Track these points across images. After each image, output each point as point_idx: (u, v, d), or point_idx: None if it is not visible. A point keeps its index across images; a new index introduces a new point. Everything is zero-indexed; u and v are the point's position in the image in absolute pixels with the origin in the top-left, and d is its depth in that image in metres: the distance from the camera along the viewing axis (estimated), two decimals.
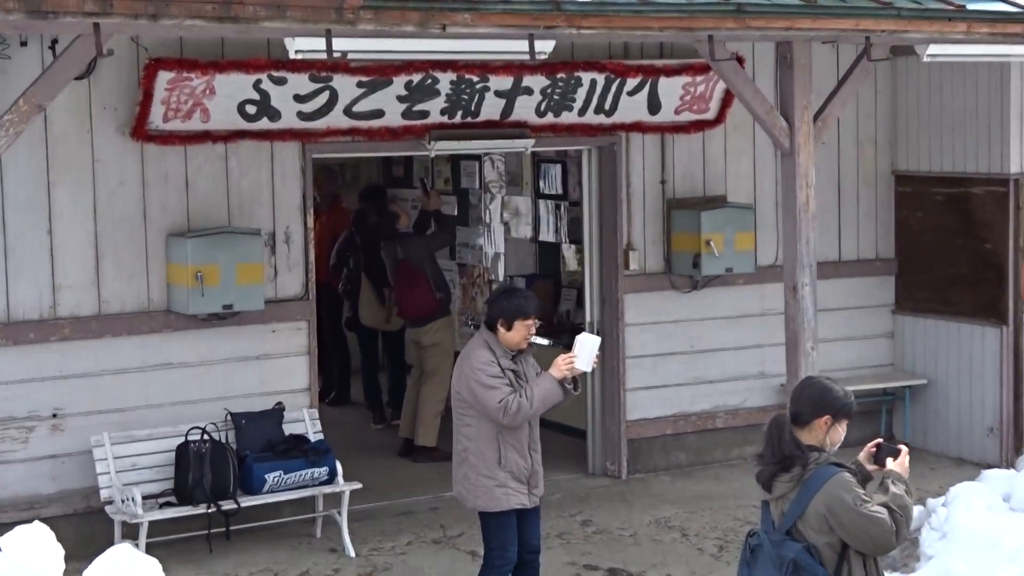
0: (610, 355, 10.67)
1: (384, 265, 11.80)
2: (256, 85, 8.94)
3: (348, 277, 12.59)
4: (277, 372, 9.52)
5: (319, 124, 9.34)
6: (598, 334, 10.70)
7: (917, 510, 8.34)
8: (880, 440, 5.77)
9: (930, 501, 8.57)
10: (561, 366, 7.27)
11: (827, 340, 10.80)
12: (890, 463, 5.62)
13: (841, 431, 5.59)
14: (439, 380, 11.39)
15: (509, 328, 7.34)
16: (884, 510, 5.42)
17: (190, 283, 8.89)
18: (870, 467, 5.68)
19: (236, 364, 9.39)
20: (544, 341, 7.26)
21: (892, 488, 5.51)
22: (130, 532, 8.67)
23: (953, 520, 8.15)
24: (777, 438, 5.51)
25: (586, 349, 7.27)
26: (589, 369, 7.33)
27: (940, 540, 8.11)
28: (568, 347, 7.38)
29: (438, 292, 11.43)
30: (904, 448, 5.68)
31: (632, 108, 10.26)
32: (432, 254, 11.58)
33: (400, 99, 9.43)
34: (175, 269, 9.06)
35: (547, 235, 12.58)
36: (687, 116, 10.54)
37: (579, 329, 11.37)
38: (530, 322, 7.36)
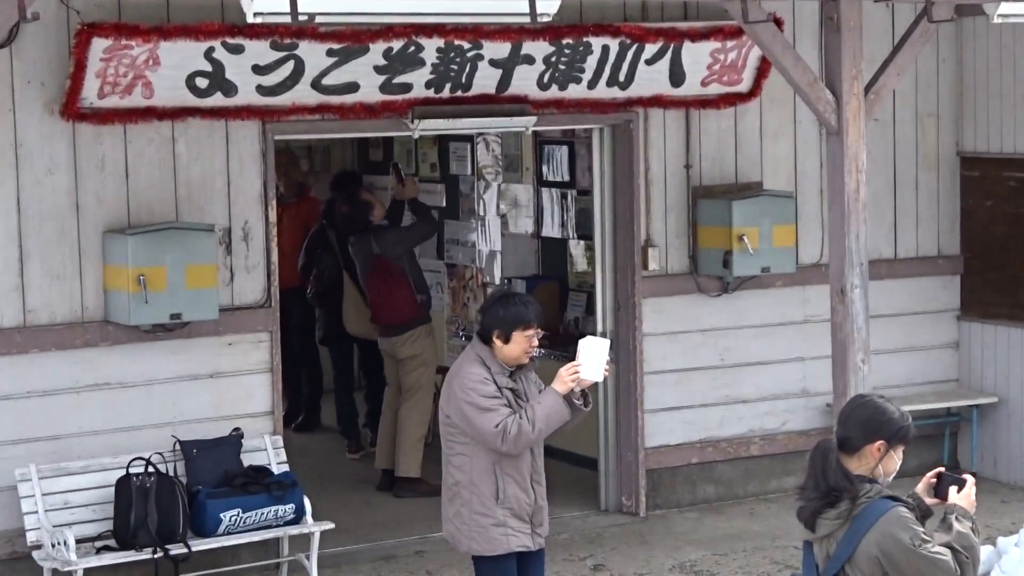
0: (626, 370, 10.67)
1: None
2: (208, 54, 8.94)
3: (319, 279, 12.58)
4: (234, 393, 9.51)
5: (282, 100, 9.34)
6: (612, 345, 10.68)
7: (986, 550, 8.34)
8: (942, 469, 5.76)
9: (1001, 540, 8.57)
10: (565, 378, 7.25)
11: (881, 352, 10.80)
12: (953, 495, 5.61)
13: (897, 459, 5.57)
14: (420, 399, 11.38)
15: (507, 340, 7.32)
16: (947, 551, 5.41)
17: (131, 288, 8.89)
18: (930, 501, 5.67)
19: (186, 383, 9.39)
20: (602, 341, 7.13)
21: (956, 525, 5.50)
22: None
23: None
24: (822, 467, 5.49)
25: (593, 355, 7.22)
26: (600, 379, 7.31)
27: None
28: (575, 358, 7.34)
29: (419, 294, 11.42)
30: (970, 478, 5.67)
31: (651, 79, 10.27)
32: (411, 250, 11.57)
33: (378, 70, 9.43)
34: (113, 272, 9.05)
35: (551, 230, 12.58)
36: (716, 89, 10.54)
37: None
38: (531, 332, 7.33)
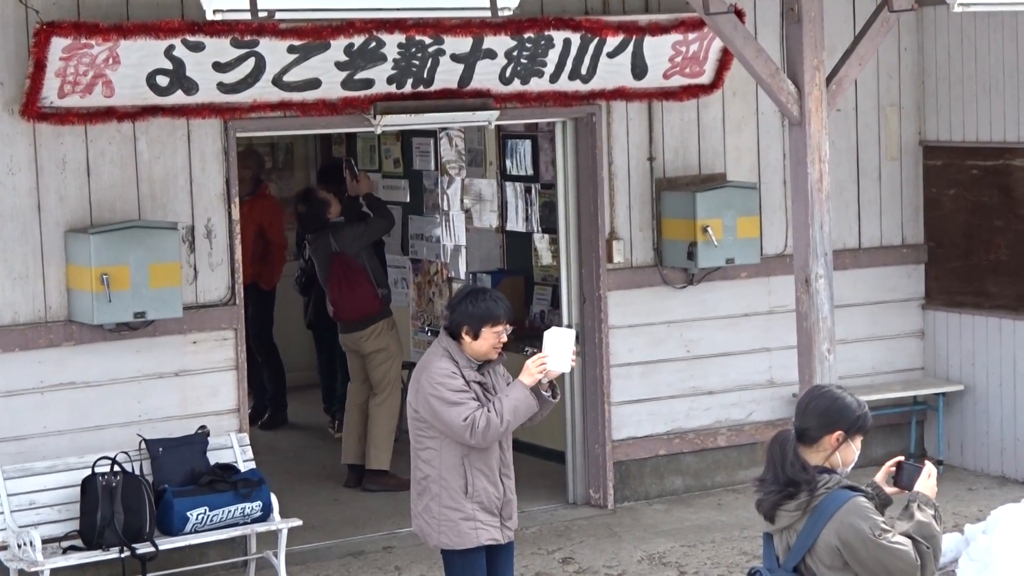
0: (592, 363, 10.70)
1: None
2: (168, 52, 8.94)
3: (304, 267, 12.72)
4: (199, 391, 9.52)
5: (244, 97, 9.34)
6: (577, 338, 10.69)
7: (954, 538, 8.38)
8: (900, 458, 5.79)
9: (968, 528, 8.60)
10: (532, 370, 7.29)
11: (846, 341, 10.86)
12: (919, 484, 5.63)
13: (855, 449, 5.60)
14: (390, 392, 11.43)
15: (476, 336, 7.36)
16: (908, 541, 5.43)
17: (94, 287, 8.88)
18: (889, 490, 5.69)
19: (151, 382, 9.38)
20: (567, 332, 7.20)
21: (918, 515, 5.52)
22: None
23: (996, 549, 8.19)
24: (780, 459, 5.51)
25: (559, 346, 7.27)
26: (567, 369, 7.35)
27: (981, 573, 8.16)
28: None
29: (380, 288, 11.45)
30: (930, 466, 5.70)
31: (613, 72, 10.29)
32: (369, 245, 11.60)
33: (339, 66, 9.44)
34: (76, 271, 9.04)
35: (516, 224, 12.59)
36: (678, 81, 10.58)
37: None
38: (500, 328, 7.37)
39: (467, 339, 7.35)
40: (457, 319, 7.35)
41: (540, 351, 7.35)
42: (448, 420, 7.23)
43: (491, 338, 7.36)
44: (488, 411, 7.23)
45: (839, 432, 5.56)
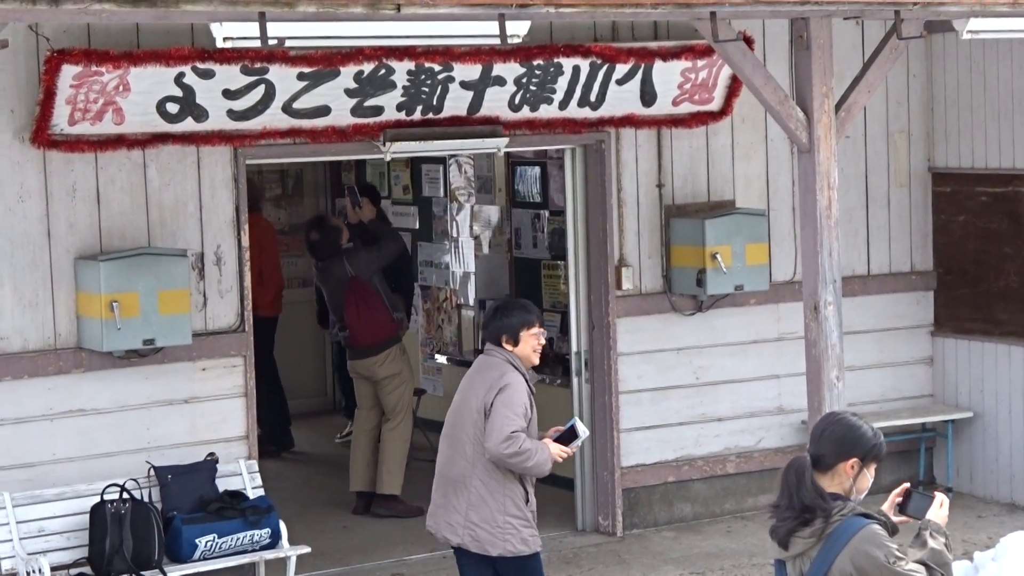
0: (601, 390, 10.68)
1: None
2: (178, 79, 8.94)
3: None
4: (208, 418, 9.50)
5: (253, 124, 9.34)
6: (586, 364, 10.73)
7: (964, 566, 8.35)
8: (907, 485, 5.76)
9: (978, 555, 8.58)
10: (555, 452, 7.74)
11: (855, 368, 10.83)
12: (931, 512, 5.61)
13: (869, 476, 5.58)
14: (403, 417, 11.42)
15: (516, 343, 7.73)
16: (922, 568, 5.41)
17: (104, 315, 8.87)
18: (896, 519, 5.67)
19: (160, 409, 9.37)
20: (584, 432, 7.81)
21: (931, 542, 5.50)
22: None
23: None
24: (796, 485, 5.49)
25: (576, 443, 7.83)
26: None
27: None
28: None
29: (395, 312, 11.49)
30: (941, 495, 5.68)
31: (622, 99, 10.29)
32: (380, 270, 11.62)
33: (349, 93, 9.44)
34: (86, 298, 9.03)
35: (525, 250, 12.59)
36: (687, 108, 10.57)
37: (564, 361, 11.41)
38: (536, 330, 7.77)
39: (508, 347, 7.73)
40: (495, 331, 7.74)
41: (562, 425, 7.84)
42: (499, 422, 7.57)
43: (530, 340, 7.74)
44: (525, 442, 7.59)
45: (854, 459, 5.55)
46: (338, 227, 11.82)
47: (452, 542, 7.77)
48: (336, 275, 11.59)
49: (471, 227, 13.10)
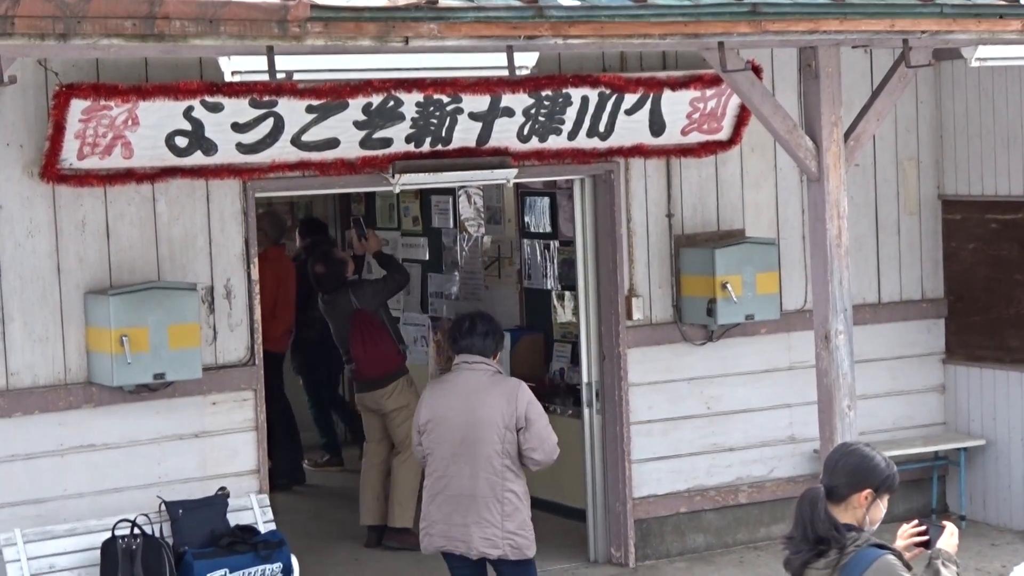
0: (612, 421, 10.65)
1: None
2: (187, 113, 8.94)
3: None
4: (219, 452, 9.48)
5: (262, 157, 9.34)
6: (597, 395, 10.70)
7: None
8: (918, 521, 5.74)
9: None
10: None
11: (867, 397, 10.79)
12: (942, 541, 5.59)
13: (883, 507, 5.57)
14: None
15: (497, 356, 8.47)
16: None
17: (114, 349, 8.86)
18: (908, 554, 5.64)
19: (170, 444, 9.35)
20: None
21: (943, 571, 5.49)
22: None
23: None
24: (810, 516, 5.48)
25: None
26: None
27: None
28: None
29: (400, 344, 11.50)
30: (951, 526, 5.66)
31: (631, 129, 10.29)
32: (386, 302, 11.62)
33: (358, 125, 9.44)
34: (96, 333, 9.02)
35: (535, 281, 12.57)
36: (696, 137, 10.56)
37: (575, 391, 11.39)
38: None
39: (494, 359, 8.37)
40: (489, 347, 8.35)
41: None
42: (544, 431, 8.18)
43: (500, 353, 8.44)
44: None
45: (868, 490, 5.54)
46: (343, 260, 11.87)
47: (491, 555, 8.11)
48: (341, 307, 11.59)
49: (481, 257, 13.09)
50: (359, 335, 11.48)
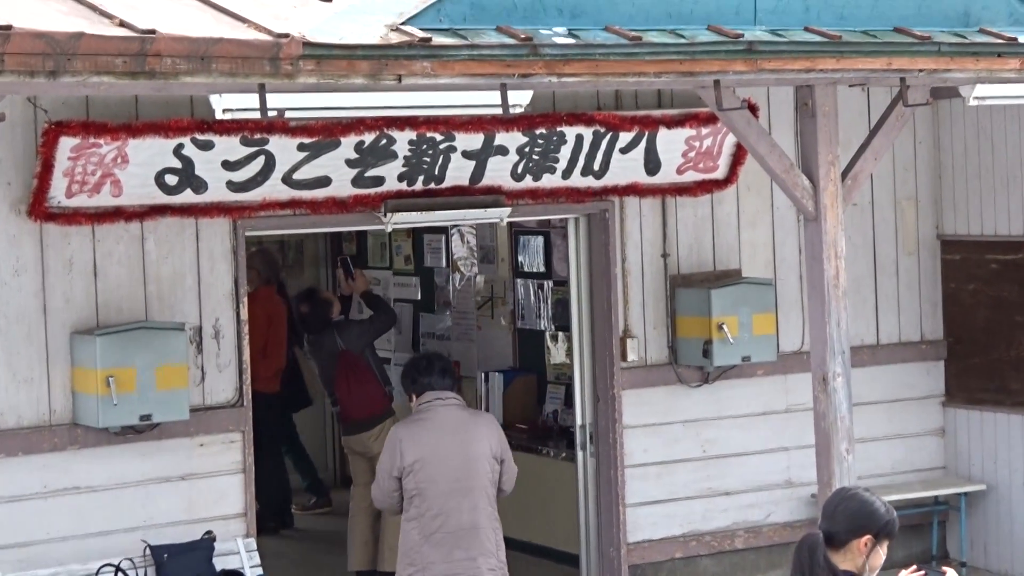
0: (606, 464, 10.65)
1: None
2: (177, 151, 8.97)
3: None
4: (206, 495, 9.47)
5: (253, 196, 9.36)
6: (591, 438, 10.71)
7: None
8: (917, 567, 5.76)
9: None
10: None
11: (865, 440, 10.80)
12: None
13: (883, 554, 5.58)
14: None
15: None
16: None
17: (100, 390, 8.86)
18: None
19: (156, 486, 9.34)
20: None
21: None
22: None
23: None
24: (809, 563, 5.49)
25: None
26: None
27: None
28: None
29: (386, 386, 11.52)
30: (952, 572, 5.67)
31: (626, 168, 10.32)
32: (373, 342, 11.64)
33: (350, 163, 9.47)
34: (82, 373, 9.02)
35: (528, 321, 12.58)
36: (692, 176, 10.60)
37: (568, 434, 11.40)
38: None
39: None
40: (452, 383, 8.64)
41: None
42: (515, 468, 8.56)
43: None
44: None
45: (868, 536, 5.55)
46: (328, 300, 11.93)
47: None
48: (327, 348, 11.62)
49: (474, 297, 13.11)
50: (344, 376, 11.51)
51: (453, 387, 8.69)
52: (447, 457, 8.34)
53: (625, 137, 10.17)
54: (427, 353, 9.14)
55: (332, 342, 11.57)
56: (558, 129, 9.91)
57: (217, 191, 9.22)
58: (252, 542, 9.52)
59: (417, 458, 8.39)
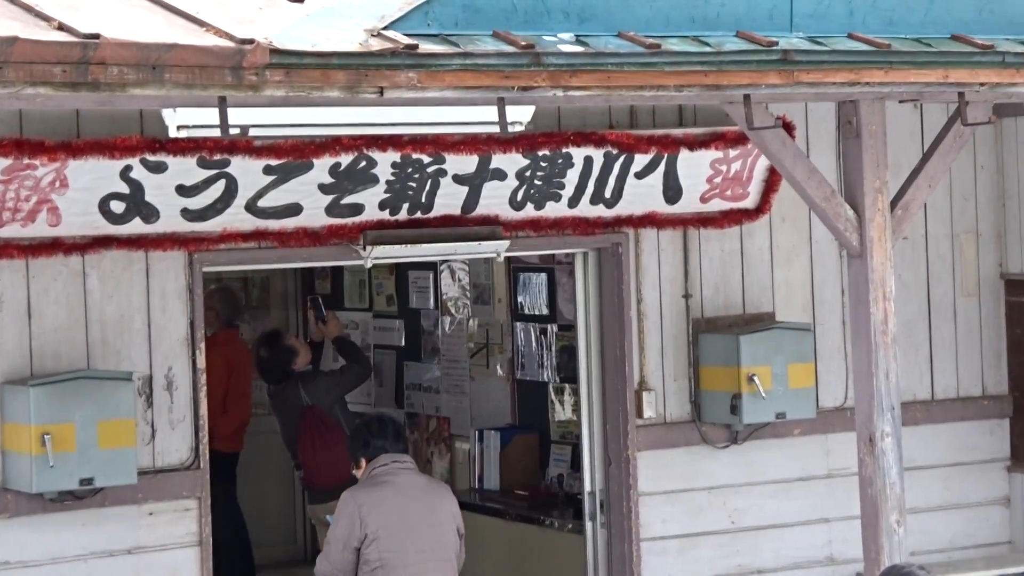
0: (619, 537, 10.64)
1: None
2: (125, 174, 8.98)
3: None
4: (156, 571, 9.45)
5: (212, 225, 9.37)
6: (601, 507, 10.69)
7: None
8: None
9: None
10: None
11: (919, 510, 10.79)
12: None
13: None
14: None
15: None
16: None
17: (34, 449, 8.84)
18: None
19: (99, 561, 9.31)
20: None
21: None
22: None
23: None
24: None
25: None
26: None
27: None
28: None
29: None
30: None
31: (642, 195, 10.33)
32: (343, 397, 11.63)
33: (324, 189, 9.48)
34: (13, 430, 9.01)
35: (529, 371, 12.58)
36: (718, 205, 10.61)
37: (575, 502, 11.38)
38: None
39: None
40: (406, 446, 9.11)
41: None
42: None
43: None
44: None
45: None
46: (292, 347, 11.89)
47: None
48: (290, 403, 11.63)
49: (467, 344, 13.11)
50: (310, 437, 11.51)
51: (408, 452, 9.06)
52: (415, 525, 8.54)
53: (641, 160, 10.18)
54: (379, 415, 9.50)
55: (296, 396, 11.57)
56: (564, 150, 9.93)
57: (170, 220, 9.22)
58: None
59: (381, 526, 8.55)
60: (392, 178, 9.59)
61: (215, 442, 12.74)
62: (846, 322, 10.85)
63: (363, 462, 8.94)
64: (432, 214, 9.88)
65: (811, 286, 11.19)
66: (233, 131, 7.12)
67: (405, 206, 9.76)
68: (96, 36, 6.52)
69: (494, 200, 9.96)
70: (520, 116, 7.69)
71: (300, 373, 11.73)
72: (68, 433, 8.89)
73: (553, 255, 11.81)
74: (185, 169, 9.09)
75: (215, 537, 9.68)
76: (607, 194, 10.24)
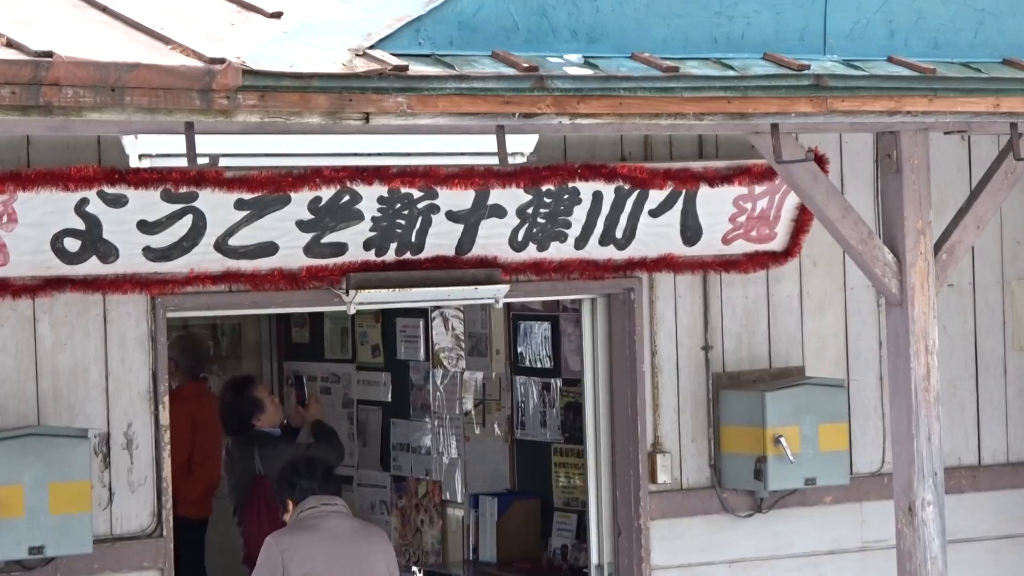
0: None
1: None
2: (80, 208, 8.97)
3: None
4: None
5: (177, 266, 9.36)
6: None
7: None
8: None
9: None
10: None
11: None
12: None
13: None
14: None
15: None
16: None
17: None
18: None
19: None
20: None
21: None
22: None
23: None
24: None
25: None
26: None
27: None
28: None
29: None
30: None
31: (657, 235, 10.33)
32: None
33: (302, 226, 9.48)
34: None
35: (530, 430, 12.57)
36: (742, 247, 10.61)
37: (581, 575, 11.36)
38: None
39: None
40: (337, 485, 9.43)
41: None
42: None
43: None
44: None
45: None
46: (259, 400, 11.87)
47: None
48: (241, 465, 11.63)
49: (461, 401, 13.10)
50: (255, 511, 11.49)
51: (339, 493, 9.27)
52: (345, 570, 8.75)
53: (656, 196, 10.18)
54: (307, 455, 9.82)
55: (249, 458, 11.59)
56: (570, 185, 9.93)
57: (131, 260, 9.22)
58: None
59: (307, 572, 8.77)
60: (378, 215, 9.59)
61: (180, 507, 12.70)
62: (884, 378, 10.86)
63: (290, 505, 9.17)
64: (423, 255, 9.88)
65: (845, 338, 11.19)
66: (201, 161, 7.12)
67: (393, 246, 9.76)
68: (49, 54, 6.50)
69: (492, 240, 9.96)
70: (522, 146, 7.68)
71: (261, 433, 11.67)
72: (16, 496, 8.89)
73: (557, 302, 11.82)
74: (148, 203, 9.09)
75: None
76: (618, 234, 10.24)
